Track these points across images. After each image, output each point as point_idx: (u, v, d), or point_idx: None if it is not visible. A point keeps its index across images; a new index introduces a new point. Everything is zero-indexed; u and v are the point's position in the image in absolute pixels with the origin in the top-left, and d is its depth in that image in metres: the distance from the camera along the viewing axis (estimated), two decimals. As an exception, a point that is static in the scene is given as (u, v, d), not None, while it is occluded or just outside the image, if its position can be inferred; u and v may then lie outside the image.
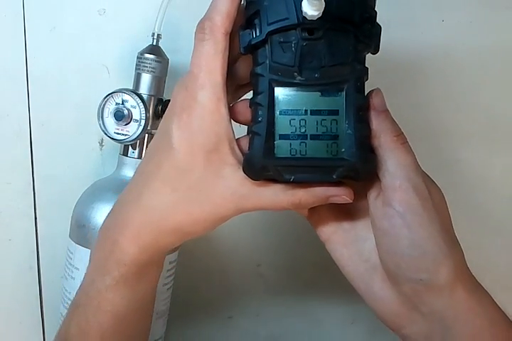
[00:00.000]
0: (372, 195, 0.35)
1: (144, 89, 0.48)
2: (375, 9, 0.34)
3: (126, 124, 0.47)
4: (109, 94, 0.47)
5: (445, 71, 0.57)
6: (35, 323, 0.57)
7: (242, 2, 0.33)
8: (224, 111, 0.33)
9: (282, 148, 0.32)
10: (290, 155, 0.32)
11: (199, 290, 0.60)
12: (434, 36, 0.56)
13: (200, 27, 0.33)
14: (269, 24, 0.32)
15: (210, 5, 0.34)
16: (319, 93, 0.32)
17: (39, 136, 0.53)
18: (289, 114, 0.32)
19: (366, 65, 0.33)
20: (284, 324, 0.63)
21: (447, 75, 0.57)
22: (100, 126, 0.47)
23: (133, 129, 0.47)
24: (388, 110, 0.34)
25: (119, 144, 0.49)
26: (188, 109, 0.33)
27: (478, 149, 0.60)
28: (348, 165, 0.32)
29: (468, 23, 0.57)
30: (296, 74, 0.32)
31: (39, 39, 0.51)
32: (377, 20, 0.34)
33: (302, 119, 0.32)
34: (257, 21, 0.32)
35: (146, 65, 0.47)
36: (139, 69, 0.48)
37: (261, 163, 0.32)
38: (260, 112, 0.32)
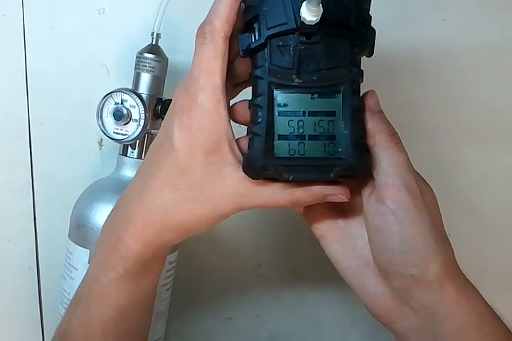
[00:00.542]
0: (365, 192, 0.36)
1: (143, 89, 0.48)
2: (370, 13, 0.35)
3: (125, 124, 0.47)
4: (108, 94, 0.47)
5: (446, 70, 0.57)
6: (35, 323, 0.56)
7: (242, 6, 0.34)
8: (223, 112, 0.35)
9: (281, 148, 0.33)
10: (289, 155, 0.34)
11: (199, 291, 0.60)
12: (435, 36, 0.56)
13: (201, 31, 0.34)
14: (268, 28, 0.33)
15: (210, 9, 0.35)
16: (317, 95, 0.34)
17: (38, 135, 0.53)
18: (288, 115, 0.34)
19: (362, 68, 0.35)
20: (284, 324, 0.63)
21: (448, 75, 0.57)
22: (99, 126, 0.47)
23: (132, 129, 0.47)
24: (382, 111, 0.35)
25: (119, 144, 0.49)
26: (189, 111, 0.35)
27: (478, 149, 0.60)
28: (344, 165, 0.33)
29: (468, 22, 0.57)
30: (294, 76, 0.33)
31: (38, 38, 0.51)
32: (378, 20, 0.35)
33: (300, 120, 0.34)
34: (256, 25, 0.33)
35: (145, 64, 0.47)
36: (139, 68, 0.48)
37: (261, 162, 0.33)
38: (260, 113, 0.33)
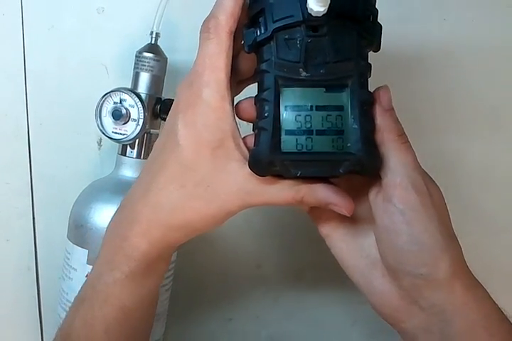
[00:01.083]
0: (372, 191, 0.35)
1: (142, 88, 0.47)
2: (376, 7, 0.34)
3: (124, 124, 0.47)
4: (107, 93, 0.46)
5: (446, 69, 0.57)
6: (33, 324, 0.56)
7: (246, 1, 0.34)
8: (228, 108, 0.34)
9: (289, 143, 0.33)
10: (296, 150, 0.33)
11: (199, 292, 0.60)
12: (436, 35, 0.56)
13: (205, 26, 0.34)
14: (274, 21, 0.32)
15: (215, 4, 0.34)
16: (324, 89, 0.33)
17: (37, 135, 0.53)
18: (295, 110, 0.33)
19: (369, 62, 0.34)
20: (285, 325, 0.62)
21: (449, 74, 0.57)
22: (98, 126, 0.47)
23: (131, 129, 0.47)
24: (393, 108, 0.35)
25: (118, 144, 0.49)
26: (193, 107, 0.34)
27: (480, 148, 0.59)
28: (354, 159, 0.32)
29: (469, 21, 0.56)
30: (301, 70, 0.32)
31: (37, 38, 0.51)
32: (379, 19, 0.34)
33: (308, 115, 0.33)
34: (261, 19, 0.33)
35: (144, 63, 0.47)
36: (138, 68, 0.47)
37: (268, 157, 0.32)
38: (267, 108, 0.33)
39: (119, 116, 0.46)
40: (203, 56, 0.34)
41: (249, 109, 0.35)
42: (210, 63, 0.34)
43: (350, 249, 0.37)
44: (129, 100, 0.46)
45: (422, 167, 0.35)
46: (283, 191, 0.34)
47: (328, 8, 0.30)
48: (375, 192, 0.35)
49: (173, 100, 0.48)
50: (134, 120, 0.46)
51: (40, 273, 0.55)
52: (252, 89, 0.36)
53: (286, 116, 0.33)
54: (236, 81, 0.37)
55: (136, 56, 0.48)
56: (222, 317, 0.61)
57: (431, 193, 0.34)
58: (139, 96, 0.46)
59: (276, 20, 0.32)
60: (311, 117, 0.33)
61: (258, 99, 0.34)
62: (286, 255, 0.60)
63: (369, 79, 0.34)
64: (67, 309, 0.47)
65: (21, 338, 0.57)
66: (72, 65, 0.52)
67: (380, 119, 0.34)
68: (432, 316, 0.34)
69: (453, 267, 0.34)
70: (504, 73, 0.58)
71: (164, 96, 0.49)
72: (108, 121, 0.47)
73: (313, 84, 0.33)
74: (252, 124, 0.36)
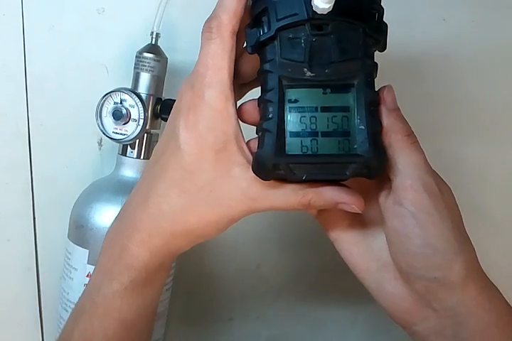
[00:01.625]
0: (382, 194, 0.35)
1: (142, 89, 0.47)
2: (382, 6, 0.33)
3: (124, 124, 0.47)
4: (107, 94, 0.47)
5: (446, 70, 0.57)
6: (34, 324, 0.56)
7: (248, 1, 0.33)
8: (232, 110, 0.33)
9: (293, 145, 0.32)
10: (301, 153, 0.32)
11: (199, 292, 0.60)
12: (435, 35, 0.56)
13: (207, 26, 0.33)
14: (278, 20, 0.32)
15: (217, 4, 0.33)
16: (329, 89, 0.32)
17: (38, 135, 0.53)
18: (300, 111, 0.32)
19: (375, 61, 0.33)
20: (285, 325, 0.62)
21: (448, 74, 0.57)
22: (98, 126, 0.47)
23: (131, 129, 0.47)
24: (399, 108, 0.34)
25: (118, 144, 0.49)
26: (195, 109, 0.33)
27: (481, 149, 0.59)
28: (361, 161, 0.32)
29: (469, 22, 0.56)
30: (306, 70, 0.32)
31: (38, 38, 0.51)
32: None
33: (313, 116, 0.32)
34: (264, 19, 0.32)
35: (144, 64, 0.47)
36: (138, 68, 0.47)
37: (272, 160, 0.31)
38: (271, 109, 0.32)
39: (120, 116, 0.46)
40: (206, 56, 0.33)
41: (253, 112, 0.34)
42: (212, 64, 0.33)
43: (361, 252, 0.36)
44: (130, 100, 0.46)
45: None
46: (288, 195, 0.33)
47: (334, 6, 0.30)
48: (385, 195, 0.34)
49: (173, 100, 0.48)
50: (135, 120, 0.46)
51: (41, 273, 0.55)
52: (254, 92, 0.36)
53: (291, 117, 0.32)
54: (238, 84, 0.36)
55: (136, 56, 0.48)
56: (222, 317, 0.61)
57: (443, 194, 0.33)
58: (139, 96, 0.46)
59: (280, 19, 0.31)
60: (316, 118, 0.32)
61: (262, 100, 0.33)
62: (286, 255, 0.60)
63: None
64: (68, 309, 0.47)
65: (22, 338, 0.57)
66: (73, 65, 0.52)
67: (386, 120, 0.33)
68: (446, 318, 0.34)
69: (466, 269, 0.33)
70: (504, 73, 0.58)
71: (165, 96, 0.49)
72: (108, 121, 0.47)
73: (318, 84, 0.32)
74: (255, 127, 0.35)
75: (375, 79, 0.33)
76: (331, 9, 0.30)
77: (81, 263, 0.46)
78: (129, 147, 0.48)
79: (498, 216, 0.61)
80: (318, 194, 0.33)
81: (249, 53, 0.33)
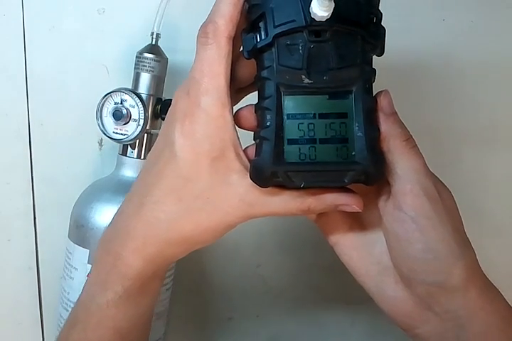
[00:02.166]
0: (382, 198, 0.34)
1: (143, 89, 0.48)
2: (380, 10, 0.33)
3: (125, 124, 0.47)
4: (107, 94, 0.47)
5: (446, 71, 0.57)
6: (35, 324, 0.56)
7: (245, 6, 0.33)
8: (228, 116, 0.33)
9: (291, 153, 0.32)
10: (300, 160, 0.32)
11: (199, 291, 0.60)
12: (435, 36, 0.56)
13: (203, 31, 0.33)
14: (275, 26, 0.31)
15: (213, 9, 0.33)
16: (327, 96, 0.32)
17: (38, 135, 0.53)
18: (297, 118, 0.32)
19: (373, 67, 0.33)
20: (285, 325, 0.62)
21: (448, 75, 0.57)
22: (99, 126, 0.47)
23: (132, 129, 0.47)
24: (396, 112, 0.34)
25: (118, 144, 0.49)
26: (191, 115, 0.33)
27: (479, 150, 0.59)
28: (359, 169, 0.31)
29: (469, 22, 0.56)
30: (304, 77, 0.31)
31: (38, 38, 0.51)
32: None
33: (311, 123, 0.32)
34: (261, 24, 0.32)
35: (145, 64, 0.47)
36: (138, 68, 0.48)
37: (270, 168, 0.31)
38: (268, 117, 0.32)
39: (120, 116, 0.46)
40: (201, 62, 0.32)
41: (250, 117, 0.34)
42: (209, 70, 0.32)
43: (361, 256, 0.36)
44: (130, 100, 0.46)
45: None
46: (287, 202, 0.33)
47: (332, 13, 0.29)
48: (384, 199, 0.34)
49: (174, 100, 0.48)
50: (135, 120, 0.47)
51: (41, 273, 0.55)
52: (251, 97, 0.36)
53: (289, 124, 0.32)
54: (235, 89, 0.35)
55: (136, 57, 0.48)
56: (222, 316, 0.61)
57: (443, 199, 0.33)
58: (139, 96, 0.46)
59: (278, 26, 0.31)
60: (314, 125, 0.32)
61: (259, 108, 0.32)
62: (286, 254, 0.60)
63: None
64: (68, 309, 0.47)
65: (22, 337, 0.57)
66: (73, 66, 0.52)
67: (384, 125, 0.33)
68: (447, 321, 0.34)
69: (467, 273, 0.33)
70: (503, 74, 0.58)
71: (165, 96, 0.49)
72: (109, 121, 0.47)
73: (316, 91, 0.32)
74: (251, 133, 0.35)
75: (373, 84, 0.33)
76: (329, 16, 0.30)
77: (81, 263, 0.46)
78: (129, 147, 0.48)
79: (498, 216, 0.61)
80: (318, 199, 0.33)
81: (246, 58, 0.33)
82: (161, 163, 0.34)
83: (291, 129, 0.32)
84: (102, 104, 0.47)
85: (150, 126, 0.48)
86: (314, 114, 0.32)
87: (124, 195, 0.46)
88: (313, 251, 0.59)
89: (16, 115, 0.52)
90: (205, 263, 0.59)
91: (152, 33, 0.48)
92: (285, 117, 0.32)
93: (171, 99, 0.47)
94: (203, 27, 0.33)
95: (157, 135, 0.49)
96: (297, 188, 0.32)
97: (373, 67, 0.33)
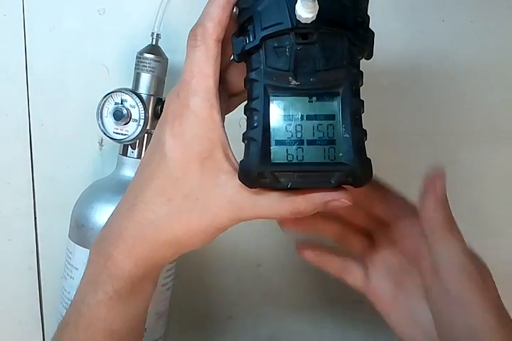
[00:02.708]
0: (426, 274, 0.37)
1: (143, 89, 0.48)
2: (368, 14, 0.34)
3: (125, 124, 0.47)
4: (108, 94, 0.47)
5: (445, 71, 0.57)
6: (35, 323, 0.57)
7: (234, 10, 0.33)
8: (217, 117, 0.33)
9: (279, 153, 0.32)
10: (287, 161, 0.32)
11: (199, 291, 0.60)
12: (434, 36, 0.56)
13: (192, 34, 0.33)
14: (263, 29, 0.32)
15: (202, 12, 0.34)
16: (315, 98, 0.32)
17: (39, 135, 0.53)
18: (285, 120, 0.32)
19: (361, 69, 0.33)
20: (285, 324, 0.63)
21: (447, 75, 0.57)
22: (99, 126, 0.47)
23: (132, 129, 0.47)
24: (446, 196, 0.35)
25: (119, 144, 0.49)
26: (181, 117, 0.33)
27: (478, 150, 0.60)
28: (346, 170, 0.32)
29: (469, 22, 0.56)
30: (291, 78, 0.32)
31: (39, 38, 0.51)
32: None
33: (298, 124, 0.32)
34: (250, 28, 0.32)
35: (145, 64, 0.47)
36: (139, 68, 0.48)
37: (257, 169, 0.31)
38: (256, 117, 0.32)
39: (120, 116, 0.46)
40: (190, 64, 0.33)
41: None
42: (198, 71, 0.33)
43: (407, 321, 0.39)
44: (130, 101, 0.46)
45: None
46: (276, 203, 0.33)
47: (318, 15, 0.30)
48: (428, 275, 0.36)
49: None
50: (135, 120, 0.47)
51: (42, 273, 0.56)
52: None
53: (276, 125, 0.32)
54: (227, 95, 0.36)
55: (137, 57, 0.48)
56: (222, 315, 0.61)
57: (483, 277, 0.35)
58: (139, 96, 0.47)
59: (265, 28, 0.32)
60: (301, 127, 0.32)
61: (247, 109, 0.33)
62: (286, 254, 0.61)
63: (365, 81, 0.33)
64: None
65: (23, 337, 0.57)
66: (74, 66, 0.52)
67: (434, 210, 0.34)
68: None
69: None
70: (504, 74, 0.58)
71: (165, 96, 0.49)
72: (109, 121, 0.47)
73: (304, 92, 0.32)
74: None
75: (366, 81, 0.33)
76: (314, 18, 0.30)
77: (82, 263, 0.46)
78: (129, 147, 0.49)
79: (498, 216, 0.61)
80: (306, 199, 0.32)
81: (236, 62, 0.33)
82: (153, 164, 0.34)
83: (279, 130, 0.32)
84: (103, 104, 0.47)
85: (150, 126, 0.48)
86: (302, 115, 0.32)
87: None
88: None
89: (16, 115, 0.52)
90: (205, 263, 0.59)
91: (152, 34, 0.48)
92: (272, 118, 0.32)
93: (170, 100, 0.48)
94: (193, 30, 0.34)
95: (157, 135, 0.49)
96: (284, 189, 0.32)
97: (361, 69, 0.33)
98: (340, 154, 0.32)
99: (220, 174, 0.33)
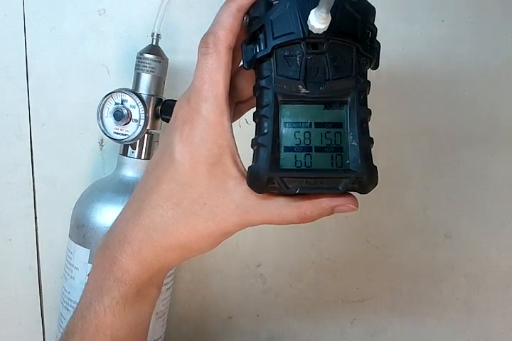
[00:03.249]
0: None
1: (143, 89, 0.48)
2: (375, 25, 0.34)
3: (125, 124, 0.47)
4: (108, 94, 0.47)
5: (445, 71, 0.57)
6: (35, 323, 0.57)
7: (245, 19, 0.34)
8: (227, 123, 0.34)
9: (287, 159, 0.32)
10: (295, 167, 0.32)
11: (199, 291, 0.60)
12: (434, 36, 0.56)
13: (204, 41, 0.34)
14: (274, 38, 0.32)
15: (214, 20, 0.34)
16: (323, 106, 0.33)
17: (39, 136, 0.53)
18: (294, 127, 0.33)
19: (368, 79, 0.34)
20: (284, 324, 0.63)
21: (447, 75, 0.57)
22: (99, 126, 0.47)
23: (132, 129, 0.47)
24: None
25: (119, 144, 0.49)
26: (191, 122, 0.33)
27: (478, 149, 0.60)
28: (353, 177, 0.32)
29: (468, 23, 0.57)
30: (301, 87, 0.32)
31: (39, 39, 0.51)
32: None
33: (307, 132, 0.33)
34: (261, 36, 0.33)
35: (145, 64, 0.47)
36: (139, 69, 0.48)
37: (266, 174, 0.32)
38: (266, 124, 0.32)
39: (121, 116, 0.46)
40: (202, 71, 0.33)
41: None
42: (209, 77, 0.33)
43: None
44: (130, 101, 0.47)
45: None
46: (283, 208, 0.33)
47: (329, 26, 0.31)
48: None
49: (174, 101, 0.48)
50: (135, 120, 0.47)
51: (42, 272, 0.56)
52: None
53: (285, 132, 0.33)
54: (235, 101, 0.37)
55: (137, 57, 0.48)
56: (222, 315, 0.61)
57: None
58: (140, 96, 0.47)
59: (277, 37, 0.32)
60: (310, 134, 0.33)
61: (257, 115, 0.33)
62: (286, 254, 0.61)
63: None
64: (69, 308, 0.47)
65: (23, 336, 0.57)
66: (74, 66, 0.52)
67: None
68: None
69: None
70: (503, 74, 0.58)
71: (165, 97, 0.49)
72: (109, 121, 0.47)
73: (313, 101, 0.33)
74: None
75: (371, 87, 0.34)
76: (326, 29, 0.31)
77: (82, 263, 0.46)
78: (129, 147, 0.49)
79: (498, 216, 0.61)
80: (313, 204, 0.33)
81: (245, 69, 0.34)
82: (160, 168, 0.34)
83: (288, 137, 0.33)
84: (103, 105, 0.47)
85: (150, 127, 0.48)
86: (310, 122, 0.33)
87: (125, 195, 0.46)
88: (312, 250, 0.60)
89: (17, 115, 0.52)
90: (205, 263, 0.59)
91: (152, 34, 0.48)
92: (282, 125, 0.33)
93: (171, 100, 0.48)
94: (204, 38, 0.34)
95: (158, 135, 0.49)
96: (292, 194, 0.33)
97: (368, 79, 0.34)
98: (348, 161, 0.33)
99: (228, 179, 0.33)
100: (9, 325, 0.57)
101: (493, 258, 0.60)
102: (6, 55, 0.51)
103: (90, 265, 0.46)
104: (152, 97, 0.48)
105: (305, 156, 0.33)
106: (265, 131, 0.32)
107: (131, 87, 0.48)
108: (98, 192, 0.48)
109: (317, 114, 0.33)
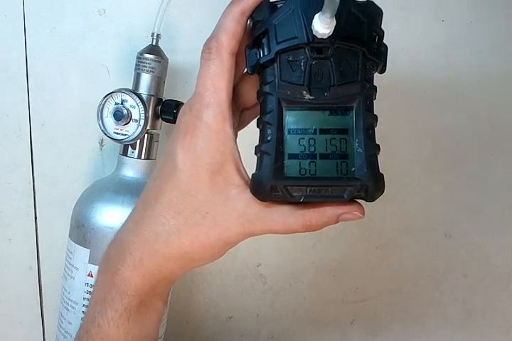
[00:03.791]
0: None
1: (143, 89, 0.48)
2: (382, 29, 0.34)
3: (125, 124, 0.47)
4: (108, 94, 0.47)
5: (445, 71, 0.57)
6: (35, 323, 0.57)
7: (248, 23, 0.33)
8: (229, 130, 0.33)
9: (291, 167, 0.32)
10: (300, 175, 0.32)
11: (199, 290, 0.60)
12: (434, 36, 0.56)
13: (207, 47, 0.33)
14: (278, 43, 0.32)
15: (217, 25, 0.33)
16: (328, 112, 0.32)
17: (39, 136, 0.53)
18: (298, 133, 0.32)
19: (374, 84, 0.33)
20: (284, 324, 0.63)
21: (447, 75, 0.57)
22: (100, 126, 0.47)
23: (132, 129, 0.47)
24: None
25: (119, 144, 0.49)
26: (193, 129, 0.33)
27: (478, 149, 0.60)
28: (358, 185, 0.31)
29: (468, 23, 0.57)
30: (305, 92, 0.32)
31: (39, 39, 0.51)
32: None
33: (311, 138, 0.32)
34: (264, 40, 0.32)
35: (145, 64, 0.47)
36: (139, 69, 0.48)
37: (270, 182, 0.31)
38: (269, 131, 0.32)
39: (121, 116, 0.46)
40: (204, 77, 0.33)
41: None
42: (211, 84, 0.32)
43: None
44: (130, 101, 0.47)
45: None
46: (287, 216, 0.32)
47: (333, 30, 0.30)
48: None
49: (174, 101, 0.48)
50: (135, 120, 0.47)
51: (42, 272, 0.56)
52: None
53: (290, 139, 0.32)
54: (240, 108, 0.36)
55: (137, 57, 0.48)
56: (222, 315, 0.61)
57: None
58: (140, 96, 0.47)
59: (280, 42, 0.32)
60: (314, 141, 0.32)
61: (261, 122, 0.33)
62: (286, 254, 0.61)
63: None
64: (69, 308, 0.47)
65: (23, 336, 0.57)
66: (74, 66, 0.52)
67: None
68: None
69: None
70: (503, 74, 0.58)
71: (165, 97, 0.49)
72: (109, 121, 0.47)
73: (317, 107, 0.32)
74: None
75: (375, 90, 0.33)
76: (331, 34, 0.30)
77: (82, 263, 0.46)
78: (129, 147, 0.49)
79: (498, 216, 0.61)
80: (318, 212, 0.32)
81: (249, 74, 0.33)
82: (162, 177, 0.34)
83: (292, 144, 0.32)
84: (103, 105, 0.47)
85: (150, 127, 0.48)
86: (315, 129, 0.32)
87: (125, 195, 0.46)
88: (312, 250, 0.60)
89: (17, 115, 0.52)
90: (206, 263, 0.59)
91: (153, 34, 0.48)
92: (286, 132, 0.32)
93: (171, 100, 0.48)
94: (207, 43, 0.33)
95: (158, 135, 0.49)
96: (297, 203, 0.32)
97: (375, 84, 0.33)
98: (353, 169, 0.32)
99: (231, 187, 0.33)
100: (9, 325, 0.57)
101: (493, 258, 0.60)
102: (6, 55, 0.51)
103: (90, 265, 0.46)
104: (152, 97, 0.48)
105: (309, 164, 0.32)
106: (269, 138, 0.32)
107: (131, 87, 0.48)
108: (98, 192, 0.48)
109: (322, 120, 0.32)
